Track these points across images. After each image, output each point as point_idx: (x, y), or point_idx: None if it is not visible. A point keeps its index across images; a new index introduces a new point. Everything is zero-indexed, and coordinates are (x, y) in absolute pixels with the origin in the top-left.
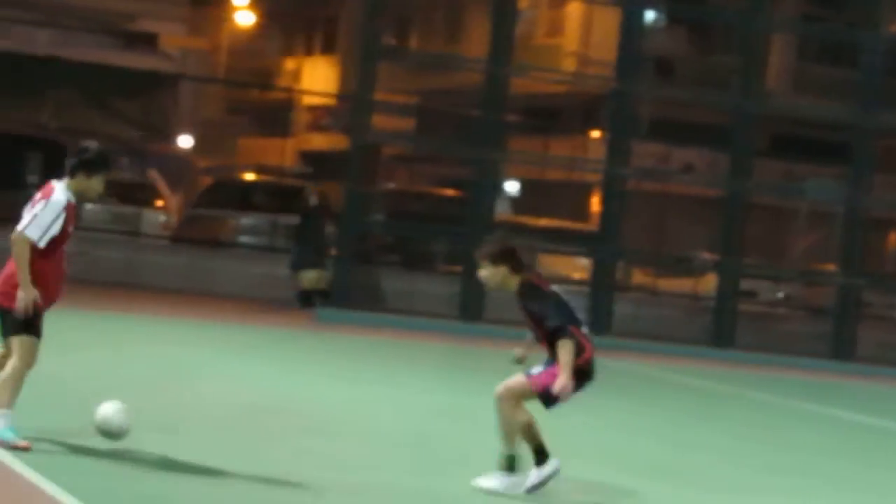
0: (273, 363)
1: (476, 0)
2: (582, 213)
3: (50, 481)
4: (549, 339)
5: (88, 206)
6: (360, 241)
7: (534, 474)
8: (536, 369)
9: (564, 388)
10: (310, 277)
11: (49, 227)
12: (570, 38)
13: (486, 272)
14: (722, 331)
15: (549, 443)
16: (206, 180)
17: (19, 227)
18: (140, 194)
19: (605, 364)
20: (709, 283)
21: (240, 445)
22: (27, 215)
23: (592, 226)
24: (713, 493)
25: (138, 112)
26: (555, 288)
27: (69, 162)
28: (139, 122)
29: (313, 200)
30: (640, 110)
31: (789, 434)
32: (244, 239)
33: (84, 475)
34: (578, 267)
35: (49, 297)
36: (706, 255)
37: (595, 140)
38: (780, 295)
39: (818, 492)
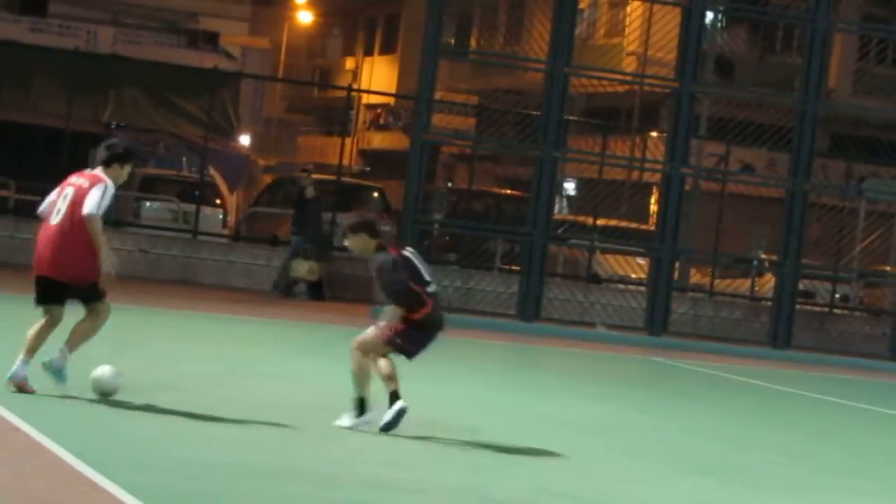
0: (334, 362)
1: (537, 0)
2: (641, 212)
3: (111, 480)
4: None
5: (148, 204)
6: (420, 240)
7: (387, 413)
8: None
9: (387, 328)
10: (301, 268)
11: (105, 205)
12: (631, 38)
13: (349, 241)
14: (780, 331)
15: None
16: (267, 178)
17: (89, 209)
18: (200, 192)
19: (664, 363)
20: (767, 283)
21: (300, 443)
22: (92, 198)
23: (651, 225)
24: (773, 493)
25: (199, 110)
26: (407, 252)
27: (101, 154)
28: (200, 120)
29: (310, 192)
30: (700, 110)
31: (848, 434)
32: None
33: (149, 472)
34: (637, 266)
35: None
36: (764, 256)
37: (654, 139)
38: (839, 295)
39: (879, 493)
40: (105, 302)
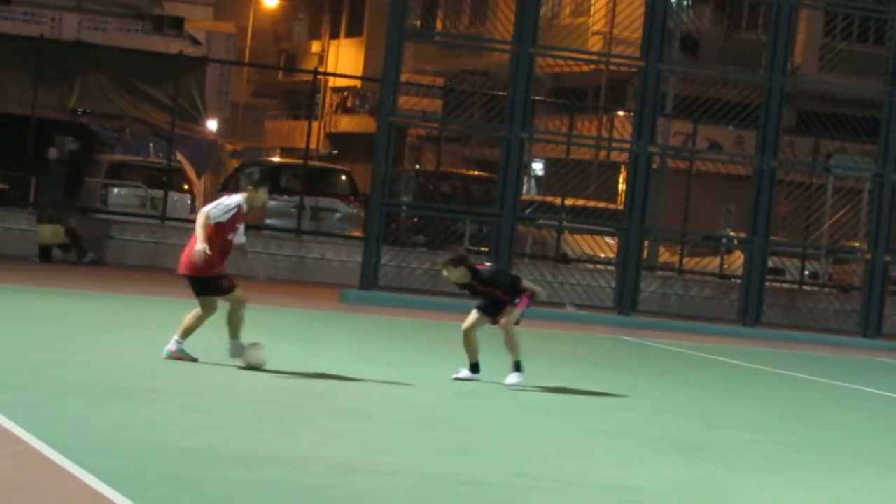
0: (302, 345)
1: None
2: (610, 191)
3: (82, 467)
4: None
5: (116, 191)
6: (387, 223)
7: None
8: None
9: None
10: (45, 232)
11: (221, 214)
12: (597, 18)
13: (450, 274)
14: (749, 309)
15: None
16: (234, 163)
17: (205, 207)
18: (167, 178)
19: (633, 342)
20: (736, 260)
21: (269, 427)
22: (213, 203)
23: (619, 204)
24: (746, 470)
25: (165, 96)
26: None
27: (243, 179)
28: (166, 105)
29: (52, 153)
30: (666, 88)
31: (819, 411)
32: (271, 221)
33: (112, 456)
34: (605, 246)
35: (216, 264)
36: (732, 233)
37: (621, 118)
38: (808, 272)
39: (850, 469)
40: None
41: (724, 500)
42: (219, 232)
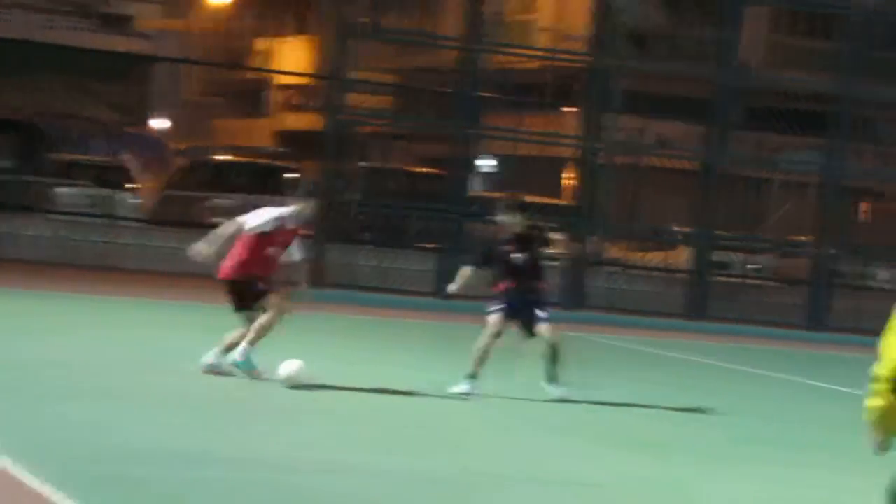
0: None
1: None
2: (557, 187)
3: (29, 470)
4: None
5: (63, 190)
6: (337, 220)
7: None
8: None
9: None
10: None
11: (261, 225)
12: (544, 14)
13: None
14: (695, 303)
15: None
16: (182, 161)
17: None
18: (115, 177)
19: (581, 338)
20: (683, 255)
21: (220, 426)
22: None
23: (567, 200)
24: (697, 464)
25: (114, 94)
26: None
27: (288, 193)
28: (115, 104)
29: None
30: (614, 84)
31: (767, 404)
32: (219, 220)
33: (59, 458)
34: (553, 242)
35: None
36: (678, 228)
37: (570, 115)
38: (754, 266)
39: (799, 461)
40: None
41: (679, 495)
42: (257, 244)
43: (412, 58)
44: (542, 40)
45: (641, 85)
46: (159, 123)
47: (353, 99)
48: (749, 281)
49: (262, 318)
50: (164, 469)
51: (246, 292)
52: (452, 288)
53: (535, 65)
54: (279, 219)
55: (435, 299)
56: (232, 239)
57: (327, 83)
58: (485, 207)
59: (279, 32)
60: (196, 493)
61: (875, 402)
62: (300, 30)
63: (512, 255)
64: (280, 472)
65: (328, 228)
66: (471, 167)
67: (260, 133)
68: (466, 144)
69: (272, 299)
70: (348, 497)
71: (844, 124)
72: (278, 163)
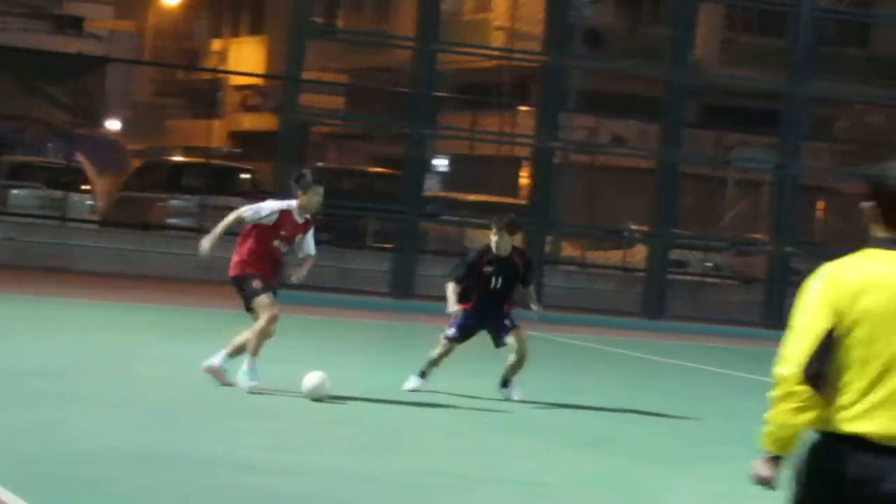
0: (207, 345)
1: None
2: (513, 186)
3: None
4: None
5: (15, 192)
6: None
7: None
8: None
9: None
10: None
11: (259, 216)
12: (499, 13)
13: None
14: (653, 301)
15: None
16: (136, 163)
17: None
18: (68, 178)
19: (538, 337)
20: (639, 254)
21: (175, 427)
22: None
23: (523, 199)
24: (658, 464)
25: (66, 95)
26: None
27: (293, 187)
28: (68, 105)
29: None
30: (568, 83)
31: (726, 402)
32: (174, 221)
33: (24, 462)
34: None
35: (261, 271)
36: (635, 227)
37: (525, 114)
38: (711, 264)
39: (754, 457)
40: (263, 297)
41: (633, 494)
42: (261, 236)
43: (367, 58)
44: (498, 39)
45: (596, 84)
46: (113, 125)
47: (307, 99)
48: (706, 279)
49: (256, 325)
50: (118, 469)
51: (240, 292)
52: (452, 308)
53: (490, 64)
54: (282, 210)
55: (391, 299)
56: (231, 230)
57: (282, 83)
58: (441, 207)
59: (233, 33)
60: (151, 495)
61: (782, 408)
62: (255, 30)
63: (491, 277)
64: (238, 473)
65: None
66: (426, 167)
67: (215, 134)
68: (422, 144)
69: (261, 301)
70: (308, 499)
71: (798, 122)
72: (233, 164)
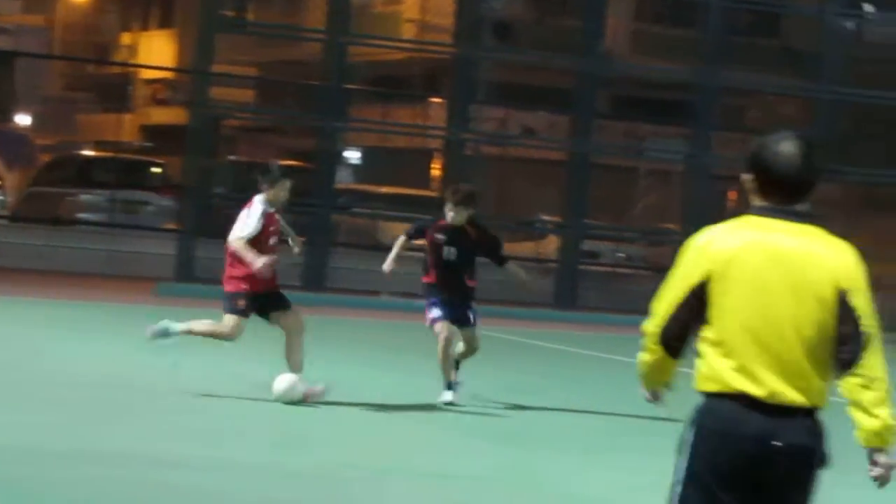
0: (119, 339)
1: None
2: (425, 179)
3: None
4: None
5: None
6: (204, 215)
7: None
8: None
9: None
10: None
11: (251, 227)
12: (409, 6)
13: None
14: (565, 292)
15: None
16: (46, 157)
17: (233, 233)
18: None
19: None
20: (551, 245)
21: (88, 423)
22: (238, 223)
23: (435, 191)
24: (570, 454)
25: None
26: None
27: (260, 181)
28: None
29: None
30: (479, 75)
31: (637, 392)
32: (84, 216)
33: None
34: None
35: (253, 284)
36: (547, 217)
37: (437, 106)
38: (623, 255)
39: (672, 450)
40: (231, 315)
41: (548, 485)
42: (258, 244)
43: (278, 51)
44: (408, 32)
45: (507, 75)
46: (23, 119)
47: (218, 93)
48: (618, 270)
49: (212, 328)
50: (29, 467)
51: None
52: (389, 261)
53: (401, 56)
54: (262, 213)
55: (303, 292)
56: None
57: (192, 77)
58: (353, 199)
59: (143, 26)
60: (63, 492)
61: (643, 357)
62: (164, 24)
63: (443, 247)
64: (153, 468)
65: (196, 223)
66: (338, 160)
67: (125, 128)
68: (333, 137)
69: (232, 320)
70: (220, 494)
71: (708, 112)
72: (144, 157)
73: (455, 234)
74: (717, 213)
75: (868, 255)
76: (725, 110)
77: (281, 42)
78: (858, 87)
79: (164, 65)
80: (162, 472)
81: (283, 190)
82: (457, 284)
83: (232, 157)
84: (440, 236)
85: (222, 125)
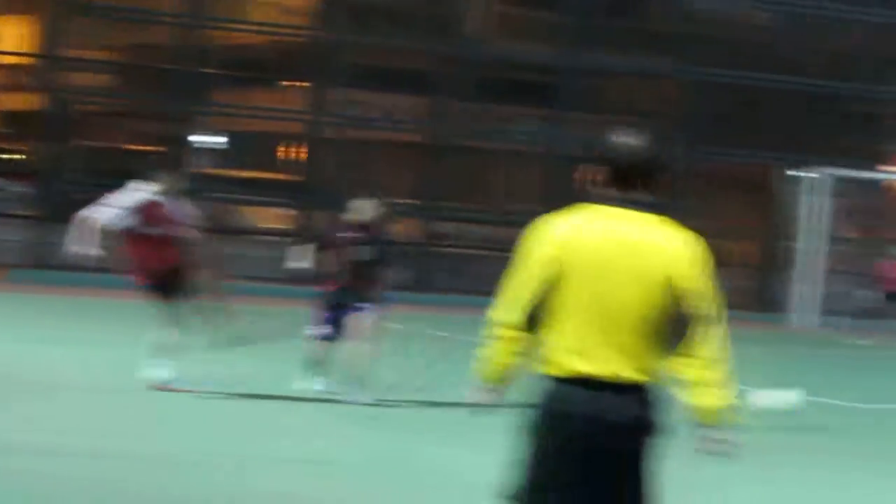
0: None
1: None
2: (286, 163)
3: None
4: None
5: None
6: (59, 200)
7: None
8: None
9: None
10: None
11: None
12: None
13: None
14: (422, 275)
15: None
16: None
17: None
18: None
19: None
20: (408, 227)
21: None
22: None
23: (295, 176)
24: (432, 434)
25: None
26: None
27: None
28: None
29: None
30: (338, 58)
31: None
32: None
33: None
34: (280, 217)
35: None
36: (404, 200)
37: (297, 90)
38: (478, 237)
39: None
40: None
41: (421, 467)
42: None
43: (134, 35)
44: (266, 15)
45: (368, 59)
46: None
47: (72, 77)
48: (474, 252)
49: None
50: None
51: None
52: (292, 264)
53: (260, 40)
54: (142, 203)
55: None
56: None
57: (44, 62)
58: (211, 184)
59: None
60: None
61: (492, 347)
62: (16, 9)
63: (358, 247)
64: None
65: (50, 209)
66: (191, 144)
67: None
68: (190, 122)
69: None
70: (77, 480)
71: (567, 94)
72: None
73: (368, 232)
74: (575, 195)
75: (722, 233)
76: (585, 92)
77: (138, 26)
78: (717, 68)
79: (16, 49)
80: (35, 461)
81: (179, 181)
82: (363, 286)
83: (86, 143)
84: (348, 235)
85: (76, 110)
